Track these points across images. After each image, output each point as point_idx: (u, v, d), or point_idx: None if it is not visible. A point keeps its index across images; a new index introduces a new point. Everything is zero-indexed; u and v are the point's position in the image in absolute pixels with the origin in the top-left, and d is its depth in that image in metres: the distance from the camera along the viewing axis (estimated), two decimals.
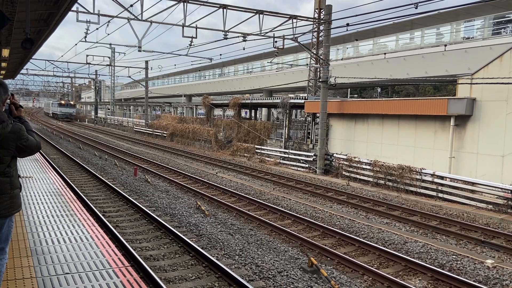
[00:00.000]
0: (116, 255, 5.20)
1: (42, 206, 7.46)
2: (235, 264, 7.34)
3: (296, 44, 19.41)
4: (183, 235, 8.54)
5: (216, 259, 7.14)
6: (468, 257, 8.41)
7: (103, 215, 9.92)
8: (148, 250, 7.92)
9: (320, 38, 22.37)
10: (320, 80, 19.95)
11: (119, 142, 32.57)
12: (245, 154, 24.45)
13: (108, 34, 27.39)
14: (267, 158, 22.64)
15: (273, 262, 7.43)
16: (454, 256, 8.40)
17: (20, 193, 3.56)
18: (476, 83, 14.35)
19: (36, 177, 10.61)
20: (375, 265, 7.92)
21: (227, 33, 16.74)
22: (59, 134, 37.36)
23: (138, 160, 22.17)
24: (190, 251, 7.78)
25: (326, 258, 8.16)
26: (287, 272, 7.02)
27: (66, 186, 9.64)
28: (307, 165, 19.94)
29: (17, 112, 3.56)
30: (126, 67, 41.74)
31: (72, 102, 68.38)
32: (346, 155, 18.26)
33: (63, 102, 66.33)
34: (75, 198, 8.42)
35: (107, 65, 40.07)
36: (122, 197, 12.27)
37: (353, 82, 24.58)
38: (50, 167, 13.04)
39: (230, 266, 7.04)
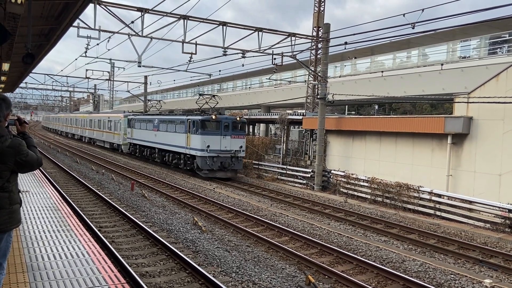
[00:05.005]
0: (112, 271, 5.16)
1: (38, 221, 7.42)
2: (232, 281, 7.27)
3: (295, 61, 19.61)
4: (180, 251, 8.47)
5: (213, 276, 7.08)
6: (466, 276, 8.36)
7: (99, 230, 9.86)
8: (144, 267, 7.85)
9: (318, 56, 22.62)
10: (318, 96, 20.10)
11: (116, 156, 32.47)
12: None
13: (109, 50, 27.59)
14: (264, 174, 22.61)
15: (270, 280, 7.37)
16: (452, 275, 8.36)
17: (20, 208, 3.55)
18: (472, 102, 14.48)
19: (33, 191, 10.56)
20: (373, 284, 7.86)
21: (227, 49, 16.91)
22: (56, 148, 37.26)
23: (135, 174, 22.09)
24: (186, 267, 7.71)
25: (323, 276, 8.10)
26: None
27: (62, 201, 9.60)
28: (304, 181, 19.92)
29: (21, 127, 3.58)
30: (125, 81, 41.71)
31: (238, 118, 22.66)
32: (343, 171, 18.27)
33: (213, 116, 21.51)
34: (71, 213, 8.38)
35: (107, 79, 40.10)
36: (119, 212, 12.20)
37: (351, 99, 24.71)
38: (47, 181, 12.99)
39: (227, 284, 6.97)
